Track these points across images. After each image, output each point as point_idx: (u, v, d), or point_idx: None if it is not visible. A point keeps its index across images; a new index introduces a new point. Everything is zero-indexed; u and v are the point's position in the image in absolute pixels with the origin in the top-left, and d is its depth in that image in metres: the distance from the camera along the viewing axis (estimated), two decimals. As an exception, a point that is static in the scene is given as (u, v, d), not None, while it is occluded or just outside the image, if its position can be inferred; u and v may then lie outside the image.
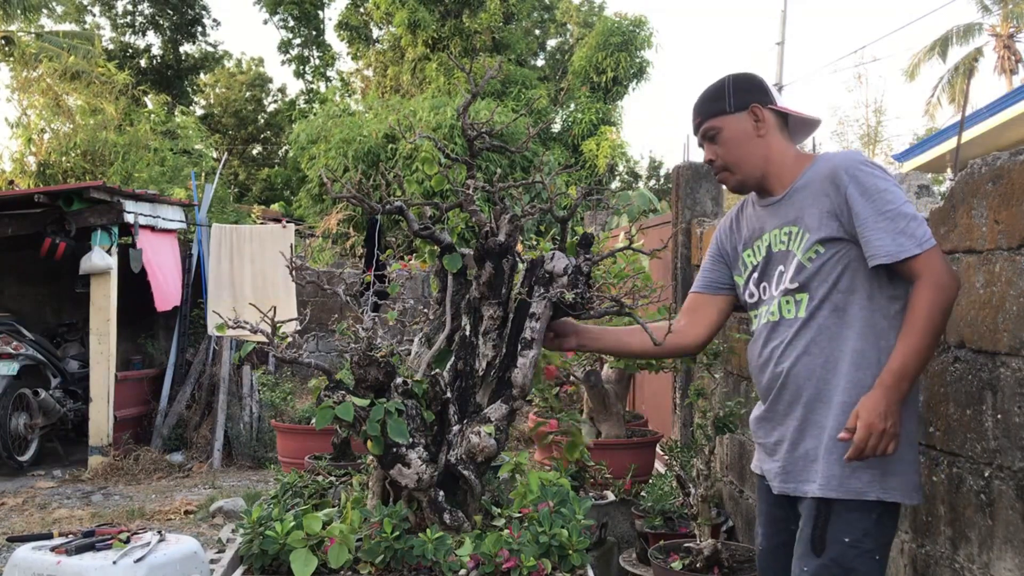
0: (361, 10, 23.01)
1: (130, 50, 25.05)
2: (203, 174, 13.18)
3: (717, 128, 2.25)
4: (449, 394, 2.71)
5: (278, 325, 2.67)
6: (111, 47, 23.88)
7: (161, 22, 25.43)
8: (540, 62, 23.61)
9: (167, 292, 7.75)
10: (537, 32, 23.89)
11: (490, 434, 2.60)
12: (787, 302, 2.19)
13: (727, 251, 2.44)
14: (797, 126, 2.33)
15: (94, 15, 25.08)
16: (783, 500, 2.23)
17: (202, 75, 26.74)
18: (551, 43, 24.89)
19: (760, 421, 2.31)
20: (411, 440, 2.58)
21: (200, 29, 26.03)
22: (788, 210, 2.21)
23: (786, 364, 2.16)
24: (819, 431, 2.11)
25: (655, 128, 57.81)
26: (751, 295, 2.33)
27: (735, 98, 2.24)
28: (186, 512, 5.88)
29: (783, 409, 2.19)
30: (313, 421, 4.16)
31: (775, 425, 2.23)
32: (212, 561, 3.71)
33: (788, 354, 2.17)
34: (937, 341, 2.01)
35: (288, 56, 26.37)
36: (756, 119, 2.22)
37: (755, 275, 2.31)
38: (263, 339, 2.68)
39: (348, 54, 24.65)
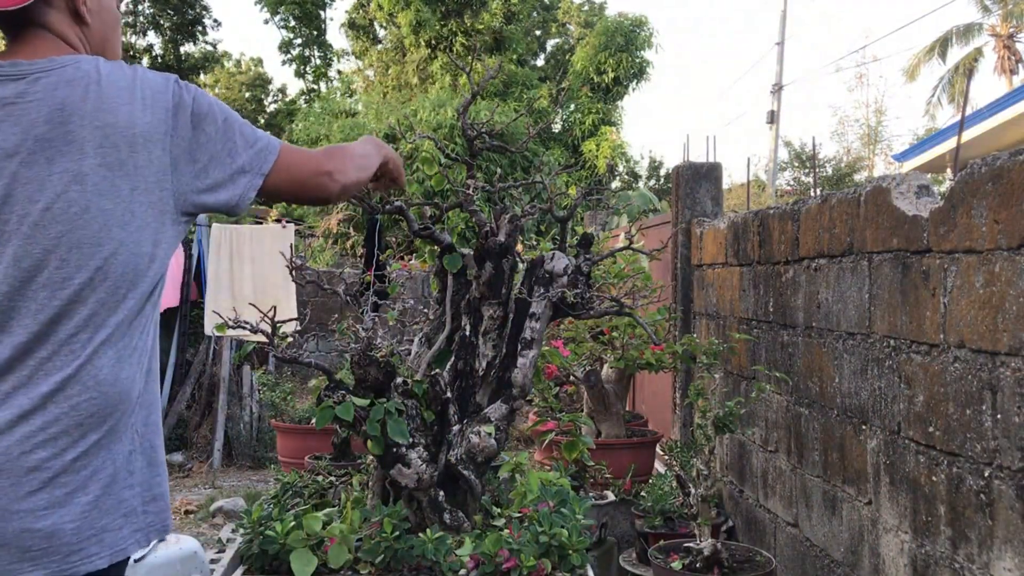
0: (366, 9, 23.01)
1: (131, 50, 25.07)
2: (203, 174, 13.14)
3: None
4: (449, 394, 2.72)
5: (278, 325, 2.67)
6: (111, 47, 23.90)
7: (162, 22, 25.46)
8: (540, 62, 23.60)
9: (166, 292, 7.76)
10: (538, 32, 23.89)
11: (490, 434, 2.61)
12: None
13: None
14: None
15: (94, 15, 25.10)
16: None
17: (202, 75, 26.77)
18: (552, 43, 24.90)
19: None
20: (411, 440, 2.58)
21: (200, 29, 26.07)
22: None
23: None
24: None
25: (655, 128, 57.85)
26: None
27: None
28: (186, 512, 5.88)
29: None
30: (313, 421, 4.16)
31: None
32: (212, 561, 3.71)
33: None
34: None
35: (289, 56, 26.40)
36: None
37: None
38: (263, 339, 2.68)
39: (352, 53, 24.67)
